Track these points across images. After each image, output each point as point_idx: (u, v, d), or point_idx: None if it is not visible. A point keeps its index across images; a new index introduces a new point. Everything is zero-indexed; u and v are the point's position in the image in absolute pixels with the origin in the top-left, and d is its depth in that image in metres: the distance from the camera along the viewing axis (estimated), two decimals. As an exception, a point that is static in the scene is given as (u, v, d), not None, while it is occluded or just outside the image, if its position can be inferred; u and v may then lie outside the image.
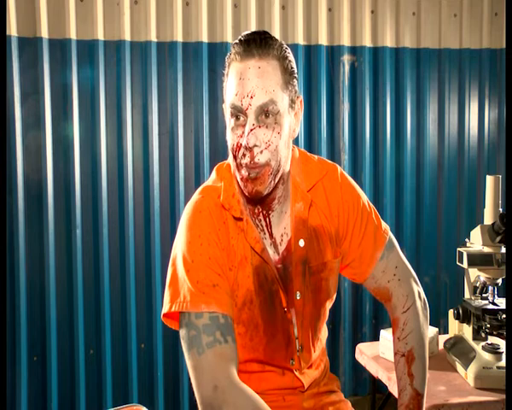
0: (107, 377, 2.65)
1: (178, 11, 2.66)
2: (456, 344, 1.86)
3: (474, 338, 1.82)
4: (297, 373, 1.21)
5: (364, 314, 3.00)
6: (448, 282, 3.12)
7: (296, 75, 1.13)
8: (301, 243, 1.18)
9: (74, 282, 2.60)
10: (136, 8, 2.64)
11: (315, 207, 1.21)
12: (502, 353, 1.70)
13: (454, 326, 1.99)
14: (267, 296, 1.17)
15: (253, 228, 1.16)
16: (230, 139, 1.10)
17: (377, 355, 1.95)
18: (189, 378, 1.04)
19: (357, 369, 2.93)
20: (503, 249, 1.78)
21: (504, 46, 3.04)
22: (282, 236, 1.19)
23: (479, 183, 3.09)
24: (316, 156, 1.28)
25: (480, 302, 1.83)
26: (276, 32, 2.77)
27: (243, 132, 1.07)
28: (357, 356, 2.07)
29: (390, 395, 1.85)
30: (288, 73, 1.09)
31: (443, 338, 2.01)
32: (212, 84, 2.73)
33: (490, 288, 1.82)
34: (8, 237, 2.46)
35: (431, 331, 1.95)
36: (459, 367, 1.77)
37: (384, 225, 1.29)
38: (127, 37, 2.62)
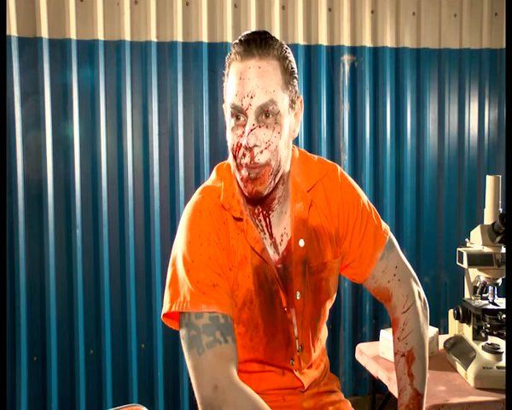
0: (107, 377, 2.65)
1: (178, 11, 2.66)
2: (456, 344, 1.86)
3: (474, 338, 1.82)
4: (297, 373, 1.21)
5: (364, 314, 3.00)
6: (448, 282, 3.12)
7: (296, 75, 1.13)
8: (301, 243, 1.18)
9: (74, 282, 2.60)
10: (136, 8, 2.64)
11: (315, 207, 1.21)
12: (502, 353, 1.70)
13: (454, 326, 1.99)
14: (267, 296, 1.17)
15: (253, 228, 1.16)
16: (230, 139, 1.10)
17: (377, 355, 1.95)
18: (189, 378, 1.04)
19: (357, 369, 2.93)
20: (503, 249, 1.78)
21: (504, 46, 3.04)
22: (282, 236, 1.19)
23: (479, 183, 3.09)
24: (316, 156, 1.28)
25: (480, 302, 1.83)
26: (276, 32, 2.77)
27: (243, 132, 1.06)
28: (357, 356, 2.07)
29: (390, 395, 1.85)
30: (288, 74, 1.09)
31: (443, 338, 2.01)
32: (212, 84, 2.73)
33: (490, 288, 1.82)
34: (8, 237, 2.46)
35: (431, 331, 1.95)
36: (459, 367, 1.77)
37: (384, 225, 1.29)
38: (127, 37, 2.62)
